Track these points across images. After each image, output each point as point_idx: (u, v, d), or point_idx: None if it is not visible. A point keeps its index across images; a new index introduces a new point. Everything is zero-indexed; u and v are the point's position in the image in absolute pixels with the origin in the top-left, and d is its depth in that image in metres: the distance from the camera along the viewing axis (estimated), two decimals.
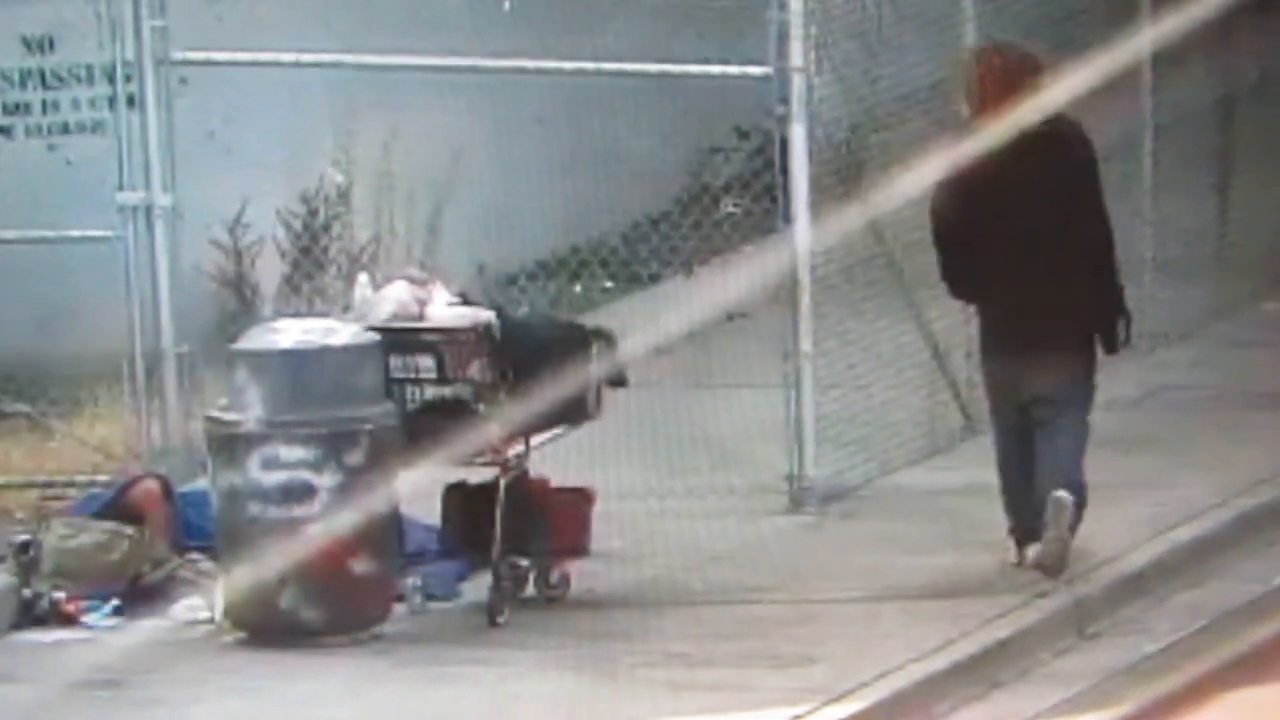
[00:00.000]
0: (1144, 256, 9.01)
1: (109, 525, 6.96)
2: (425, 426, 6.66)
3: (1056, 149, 6.86)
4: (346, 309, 7.05)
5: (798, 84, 7.47)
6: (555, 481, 6.92)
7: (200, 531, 6.97)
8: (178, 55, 7.66)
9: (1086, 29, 8.52)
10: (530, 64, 8.30)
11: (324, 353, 6.58)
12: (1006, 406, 7.02)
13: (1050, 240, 6.87)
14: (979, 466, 7.76)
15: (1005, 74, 6.89)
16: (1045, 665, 6.50)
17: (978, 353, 7.20)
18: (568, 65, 8.23)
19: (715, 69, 7.68)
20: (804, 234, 7.40)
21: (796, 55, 7.51)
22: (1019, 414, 7.00)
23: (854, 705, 6.11)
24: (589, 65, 8.18)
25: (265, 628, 6.60)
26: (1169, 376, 8.76)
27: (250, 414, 6.55)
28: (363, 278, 7.03)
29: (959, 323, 8.10)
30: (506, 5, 9.20)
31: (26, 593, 6.83)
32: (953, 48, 8.12)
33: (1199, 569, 7.09)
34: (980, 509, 7.40)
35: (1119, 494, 7.50)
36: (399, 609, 6.75)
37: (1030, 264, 6.87)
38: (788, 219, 7.52)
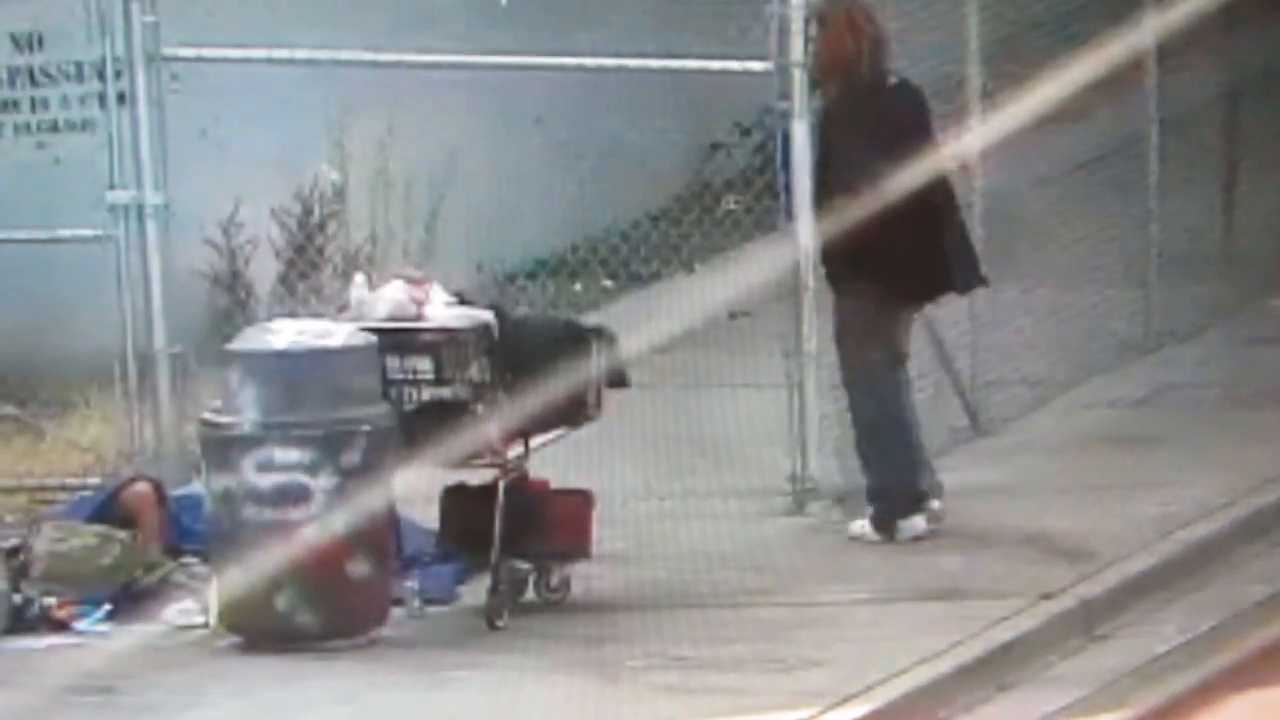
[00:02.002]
0: (1150, 254, 8.98)
1: (101, 529, 6.90)
2: (423, 428, 6.60)
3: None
4: (342, 309, 6.97)
5: (799, 79, 7.43)
6: (555, 483, 6.86)
7: (194, 535, 6.92)
8: (169, 52, 7.59)
9: (1091, 25, 8.48)
10: (528, 60, 8.24)
11: (320, 354, 6.52)
12: (898, 359, 7.13)
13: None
14: (983, 467, 7.79)
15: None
16: (1053, 667, 6.46)
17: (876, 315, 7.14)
18: (567, 61, 8.15)
19: (716, 64, 7.63)
20: (806, 231, 7.35)
21: (798, 50, 7.46)
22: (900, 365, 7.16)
23: (859, 709, 6.06)
24: (588, 61, 8.10)
25: (260, 632, 6.53)
26: (1176, 375, 8.72)
27: (245, 416, 6.50)
28: (359, 277, 6.98)
29: (963, 318, 8.06)
30: (504, 1, 9.13)
31: (17, 598, 6.77)
32: (956, 42, 8.08)
33: (1207, 569, 7.05)
34: (985, 509, 7.37)
35: (1126, 493, 7.48)
36: (397, 612, 6.69)
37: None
38: (790, 216, 7.47)
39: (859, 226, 6.87)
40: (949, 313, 8.03)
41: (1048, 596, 6.70)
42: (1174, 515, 7.27)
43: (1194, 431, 8.10)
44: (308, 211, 8.71)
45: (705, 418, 7.96)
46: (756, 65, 7.49)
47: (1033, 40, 8.49)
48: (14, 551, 6.81)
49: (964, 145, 7.79)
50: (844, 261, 7.03)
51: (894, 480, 7.13)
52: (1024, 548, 7.13)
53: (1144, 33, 8.61)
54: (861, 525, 7.18)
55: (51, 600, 6.76)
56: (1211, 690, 6.20)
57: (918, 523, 7.16)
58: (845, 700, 6.06)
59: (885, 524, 7.16)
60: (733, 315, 8.64)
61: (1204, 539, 7.16)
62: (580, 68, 8.15)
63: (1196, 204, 9.31)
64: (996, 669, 6.36)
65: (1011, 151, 8.08)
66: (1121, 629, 6.69)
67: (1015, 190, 8.42)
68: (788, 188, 7.46)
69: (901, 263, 7.00)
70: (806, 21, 7.19)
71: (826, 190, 7.10)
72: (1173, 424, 8.20)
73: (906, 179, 6.92)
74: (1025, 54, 8.36)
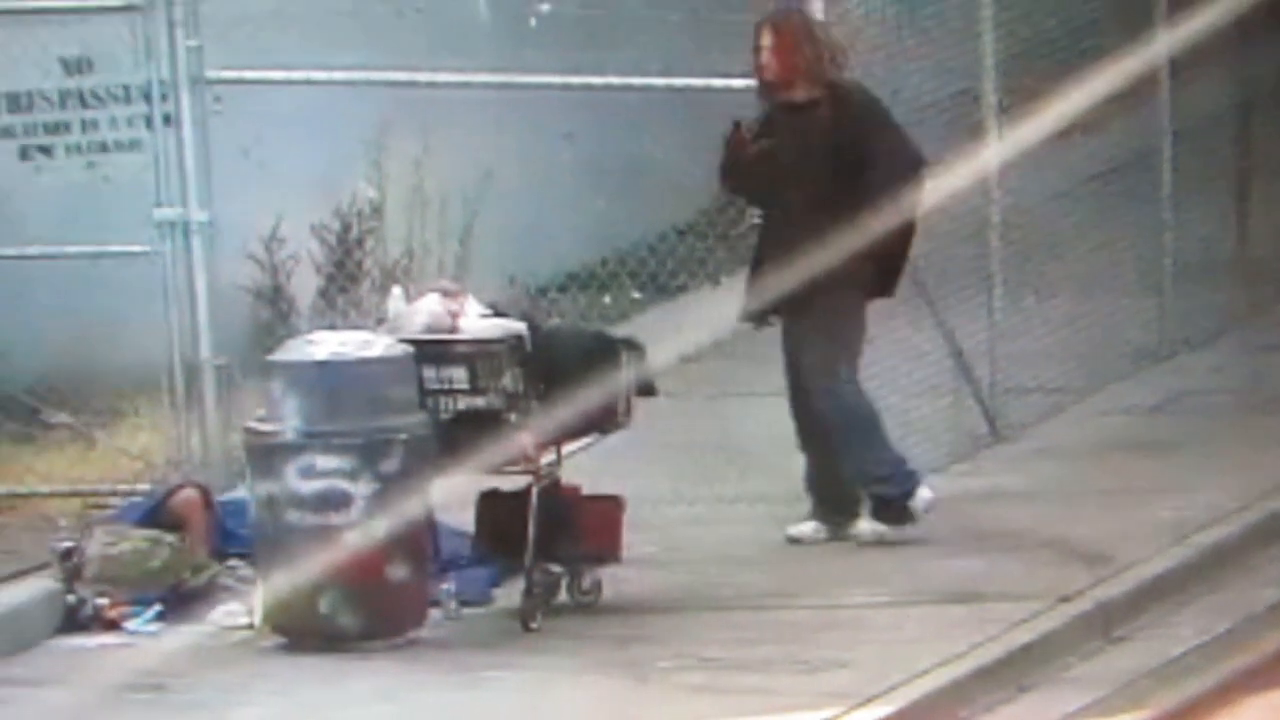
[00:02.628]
0: (1163, 263, 9.04)
1: (150, 533, 7.06)
2: (458, 436, 6.74)
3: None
4: (380, 322, 7.11)
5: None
6: (586, 489, 6.99)
7: (239, 539, 7.06)
8: (212, 74, 7.76)
9: (1104, 38, 8.55)
10: (559, 80, 8.40)
11: (359, 364, 6.67)
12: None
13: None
14: (1003, 472, 7.87)
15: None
16: (1072, 669, 6.53)
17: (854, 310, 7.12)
18: (595, 81, 8.33)
19: (739, 82, 7.70)
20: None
21: None
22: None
23: (882, 709, 6.15)
24: (616, 80, 8.28)
25: (303, 633, 6.69)
26: (1190, 382, 8.79)
27: (287, 424, 6.65)
28: (396, 291, 7.11)
29: (982, 327, 8.20)
30: (533, 22, 9.29)
31: (70, 599, 6.92)
32: (972, 59, 8.21)
33: (1222, 573, 7.12)
34: (1004, 514, 7.46)
35: (1142, 498, 7.56)
36: (434, 614, 6.83)
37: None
38: None
39: (855, 222, 6.86)
40: (968, 322, 8.14)
41: (1066, 599, 6.79)
42: (1190, 520, 7.34)
43: (1209, 437, 8.17)
44: (346, 228, 8.83)
45: (731, 426, 8.01)
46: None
47: (1047, 55, 8.62)
48: (68, 554, 6.95)
49: (981, 160, 7.91)
50: (844, 259, 6.92)
51: (886, 461, 7.08)
52: (1042, 551, 7.21)
53: (1157, 46, 8.72)
54: (869, 525, 7.15)
55: (103, 601, 6.91)
56: (1228, 692, 6.25)
57: (925, 492, 7.10)
58: (868, 701, 6.15)
59: (894, 510, 7.09)
60: (758, 325, 8.89)
61: (1219, 543, 7.23)
62: (609, 86, 8.32)
63: (1210, 214, 9.31)
64: (1016, 670, 6.44)
65: (1028, 165, 8.19)
66: (1139, 631, 6.75)
67: (1032, 203, 8.54)
68: None
69: (885, 257, 7.02)
70: (757, 28, 7.10)
71: (840, 188, 6.89)
72: (1188, 430, 8.27)
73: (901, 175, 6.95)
74: (1040, 69, 8.40)
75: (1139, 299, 8.99)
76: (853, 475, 7.12)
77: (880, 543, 7.24)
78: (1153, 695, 6.33)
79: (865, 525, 7.19)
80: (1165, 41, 8.72)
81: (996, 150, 8.12)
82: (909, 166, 7.05)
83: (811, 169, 6.97)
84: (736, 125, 7.14)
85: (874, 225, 6.88)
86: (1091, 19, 8.78)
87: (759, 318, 7.12)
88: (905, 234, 7.03)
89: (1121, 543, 7.19)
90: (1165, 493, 7.63)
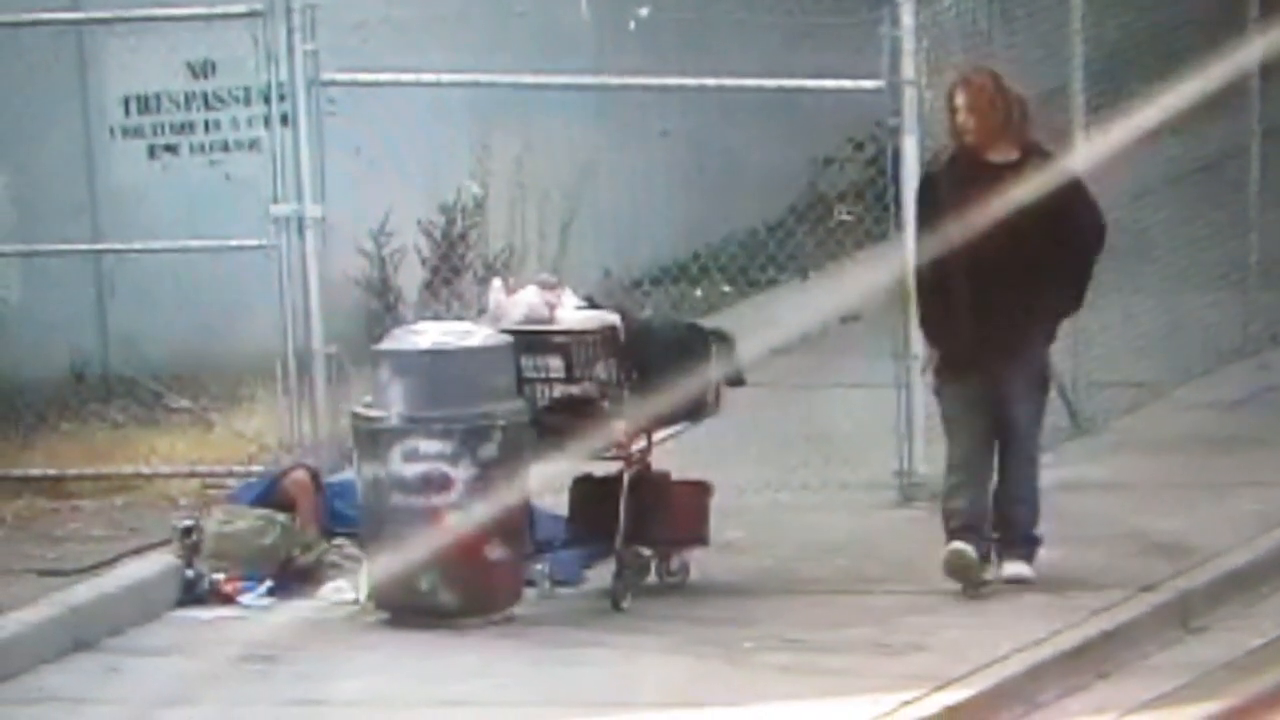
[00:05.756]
0: (1250, 260, 9.06)
1: (263, 512, 7.28)
2: (554, 423, 6.94)
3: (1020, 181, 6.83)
4: (481, 312, 7.30)
5: (910, 96, 7.67)
6: (676, 474, 7.14)
7: (346, 519, 7.27)
8: (327, 77, 7.97)
9: (1194, 37, 8.53)
10: (655, 81, 8.60)
11: (461, 353, 6.87)
12: None
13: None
14: (1085, 464, 7.90)
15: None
16: (1150, 658, 6.58)
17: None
18: (690, 82, 8.51)
19: (830, 83, 7.80)
20: (914, 240, 7.49)
21: (909, 69, 7.70)
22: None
23: (962, 692, 6.26)
24: (710, 81, 8.42)
25: (405, 609, 6.89)
26: (1274, 377, 8.83)
27: (393, 410, 6.86)
28: (496, 283, 7.28)
29: (1065, 325, 8.29)
30: (632, 25, 9.40)
31: (189, 574, 7.18)
32: (1061, 59, 8.33)
33: None
34: (1086, 505, 7.52)
35: (1224, 491, 7.63)
36: (529, 593, 7.02)
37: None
38: (899, 226, 7.69)
39: (1053, 286, 6.83)
40: None
41: (1147, 589, 6.86)
42: (1271, 513, 7.37)
43: None
44: (451, 223, 8.98)
45: (817, 415, 8.10)
46: (869, 84, 7.72)
47: (1136, 56, 8.70)
48: (187, 532, 7.19)
49: (1069, 159, 8.03)
50: (1044, 315, 6.91)
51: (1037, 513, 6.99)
52: (1124, 542, 7.28)
53: (1247, 46, 8.77)
54: (1020, 567, 6.93)
55: (219, 576, 7.17)
56: None
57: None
58: (949, 683, 6.27)
59: (1034, 558, 6.95)
60: (844, 319, 8.76)
61: None
62: (703, 87, 8.48)
63: None
64: (1095, 658, 6.51)
65: (1116, 164, 8.28)
66: (1218, 622, 6.79)
67: (1119, 200, 8.65)
68: (897, 199, 7.68)
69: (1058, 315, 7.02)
70: (953, 89, 6.94)
71: (1037, 249, 6.73)
72: (1271, 425, 8.29)
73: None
74: (1129, 69, 8.47)
75: (1224, 295, 9.01)
76: (1026, 517, 6.99)
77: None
78: (1231, 685, 6.36)
79: (1019, 568, 7.00)
80: (1256, 41, 8.74)
81: (1085, 150, 8.21)
82: (1100, 237, 6.99)
83: (1013, 229, 6.77)
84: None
85: (1064, 289, 6.88)
86: (1182, 19, 8.75)
87: (959, 374, 6.89)
88: (1080, 295, 7.08)
89: (1202, 534, 7.24)
90: (1247, 486, 7.69)
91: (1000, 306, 6.84)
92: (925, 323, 7.08)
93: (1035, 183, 6.86)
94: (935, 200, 7.02)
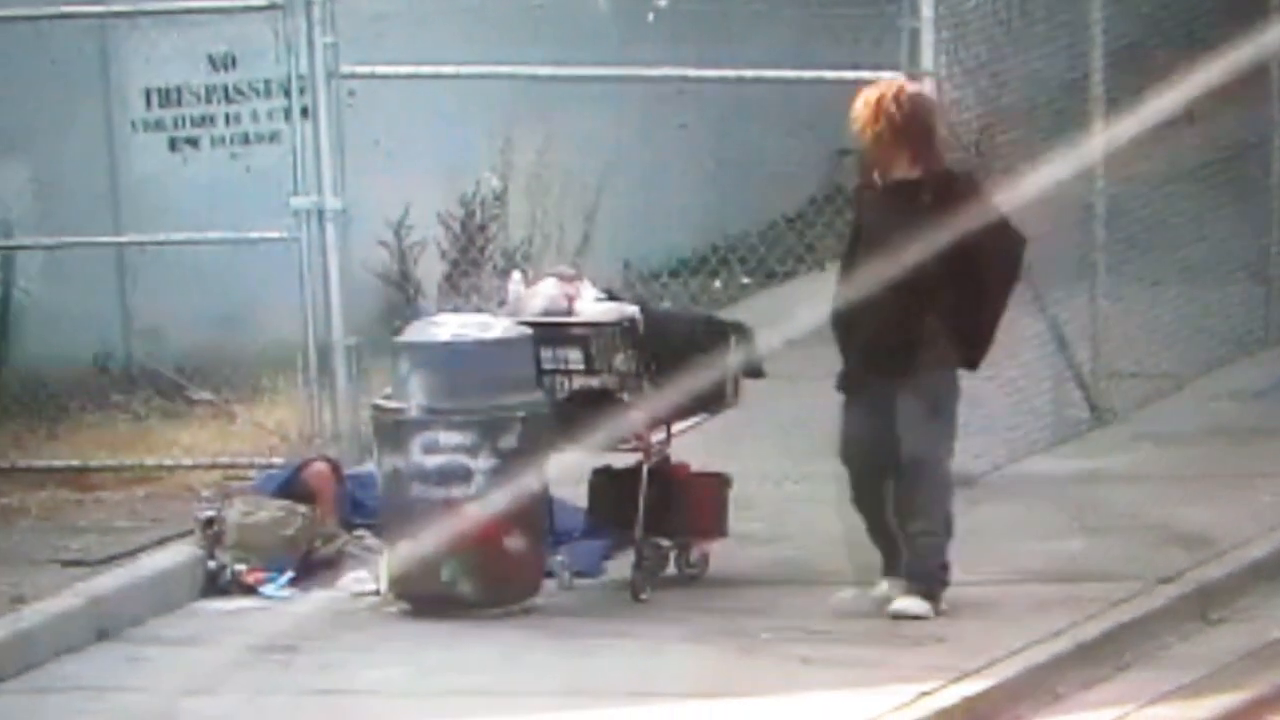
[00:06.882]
0: (1271, 250, 9.07)
1: (285, 503, 7.33)
2: (573, 414, 6.96)
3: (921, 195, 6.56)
4: (501, 305, 7.34)
5: (928, 87, 7.66)
6: (695, 466, 7.18)
7: (367, 510, 7.34)
8: (347, 69, 8.02)
9: (1214, 27, 8.52)
10: (674, 73, 8.58)
11: (480, 345, 6.91)
12: None
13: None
14: (1104, 455, 7.91)
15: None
16: (1169, 649, 6.55)
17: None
18: (710, 74, 8.51)
19: (849, 74, 7.77)
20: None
21: (927, 59, 7.72)
22: None
23: (981, 683, 6.24)
24: (729, 73, 8.44)
25: (426, 599, 6.94)
26: None
27: (413, 402, 6.91)
28: (516, 275, 7.33)
29: (1084, 314, 8.32)
30: (651, 17, 9.45)
31: (211, 564, 7.23)
32: (1080, 48, 8.32)
33: None
34: (1105, 496, 7.54)
35: (1245, 483, 7.63)
36: (548, 584, 7.06)
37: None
38: None
39: (958, 304, 6.56)
40: (1071, 306, 8.21)
41: (1166, 580, 6.84)
42: None
43: None
44: (470, 215, 9.02)
45: (835, 408, 7.97)
46: (888, 75, 7.66)
47: (1156, 45, 8.70)
48: (209, 523, 7.25)
49: (1088, 148, 8.00)
50: (932, 340, 6.60)
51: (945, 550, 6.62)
52: (1142, 533, 7.28)
53: (1267, 36, 8.76)
54: (909, 603, 6.62)
55: (241, 567, 7.21)
56: None
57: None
58: (968, 675, 6.26)
59: (935, 595, 6.64)
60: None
61: None
62: (722, 79, 8.52)
63: None
64: (1114, 649, 6.50)
65: (1136, 153, 8.29)
66: (1237, 613, 6.75)
67: (1138, 190, 8.64)
68: None
69: (976, 336, 6.71)
70: (859, 101, 6.63)
71: (940, 269, 6.48)
72: None
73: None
74: (1149, 59, 8.49)
75: (1245, 286, 9.00)
76: (928, 549, 6.63)
77: (983, 524, 7.06)
78: (1250, 677, 6.33)
79: (912, 603, 6.70)
80: (1277, 31, 8.74)
81: (1103, 139, 8.19)
82: (1010, 265, 6.65)
83: (899, 251, 6.53)
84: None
85: (974, 307, 6.59)
86: (1201, 8, 8.74)
87: (857, 388, 6.68)
88: (997, 315, 6.80)
89: (1222, 526, 7.24)
90: (1267, 477, 7.67)
91: (884, 328, 6.64)
92: (835, 338, 6.91)
93: (933, 205, 6.55)
94: (855, 213, 6.87)
